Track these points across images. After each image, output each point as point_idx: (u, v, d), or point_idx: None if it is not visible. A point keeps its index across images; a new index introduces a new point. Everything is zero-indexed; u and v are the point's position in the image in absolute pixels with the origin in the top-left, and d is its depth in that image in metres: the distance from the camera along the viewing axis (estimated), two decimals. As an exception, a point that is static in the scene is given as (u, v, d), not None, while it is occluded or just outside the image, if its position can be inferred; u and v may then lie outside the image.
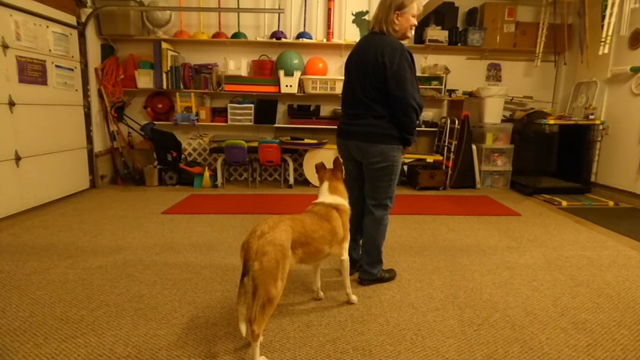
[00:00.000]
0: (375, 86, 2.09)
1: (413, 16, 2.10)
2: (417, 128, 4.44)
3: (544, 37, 5.18)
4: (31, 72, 3.76)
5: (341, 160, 2.19)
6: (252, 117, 5.08)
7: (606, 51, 4.30)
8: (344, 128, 2.27)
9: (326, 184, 2.07)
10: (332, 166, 2.14)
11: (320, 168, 2.14)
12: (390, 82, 2.02)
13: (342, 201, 2.04)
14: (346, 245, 2.04)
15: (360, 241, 2.48)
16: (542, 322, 1.97)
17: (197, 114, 5.05)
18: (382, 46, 2.05)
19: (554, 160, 5.31)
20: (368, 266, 2.32)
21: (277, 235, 1.61)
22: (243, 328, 1.56)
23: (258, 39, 5.07)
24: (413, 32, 2.23)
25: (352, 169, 2.33)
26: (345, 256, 2.04)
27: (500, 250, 2.94)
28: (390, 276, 2.41)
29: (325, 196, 2.04)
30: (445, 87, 5.22)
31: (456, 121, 5.01)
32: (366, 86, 2.11)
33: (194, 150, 5.39)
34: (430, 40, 5.06)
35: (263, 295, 1.56)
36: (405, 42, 2.17)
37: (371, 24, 2.21)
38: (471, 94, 5.31)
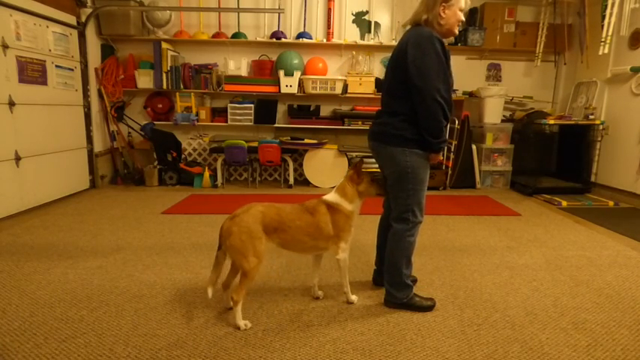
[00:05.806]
0: (399, 79, 1.90)
1: (460, 10, 1.91)
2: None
3: (544, 37, 5.17)
4: (31, 72, 3.76)
5: (362, 165, 2.05)
6: (252, 117, 5.08)
7: (606, 51, 4.30)
8: (369, 129, 2.14)
9: (340, 182, 2.07)
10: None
11: (350, 167, 2.08)
12: (410, 70, 1.81)
13: (341, 201, 2.00)
14: (343, 245, 2.00)
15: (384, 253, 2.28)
16: (542, 322, 1.97)
17: (197, 114, 5.05)
18: (410, 36, 1.89)
19: (554, 160, 5.31)
20: (390, 287, 2.08)
21: (244, 218, 1.84)
22: (209, 291, 1.85)
23: (258, 39, 5.07)
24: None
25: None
26: (341, 256, 2.01)
27: (500, 250, 2.94)
28: (422, 305, 2.06)
29: (329, 193, 2.06)
30: (445, 87, 5.21)
31: (456, 121, 5.00)
32: (393, 80, 1.96)
33: (194, 150, 5.39)
34: (430, 40, 5.06)
35: (239, 268, 1.85)
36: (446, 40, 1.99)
37: (408, 21, 2.03)
38: (470, 94, 5.31)
